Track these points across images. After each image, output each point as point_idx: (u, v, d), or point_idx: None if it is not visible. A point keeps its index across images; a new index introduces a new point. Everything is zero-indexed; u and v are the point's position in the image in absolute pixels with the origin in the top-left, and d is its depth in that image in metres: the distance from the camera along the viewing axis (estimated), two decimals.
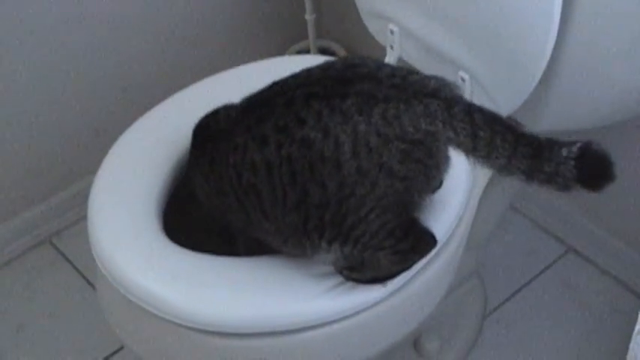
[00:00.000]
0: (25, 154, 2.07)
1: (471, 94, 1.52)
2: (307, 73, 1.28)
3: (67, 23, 1.98)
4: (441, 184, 1.36)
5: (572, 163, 1.15)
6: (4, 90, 1.97)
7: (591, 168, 1.16)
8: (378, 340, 1.45)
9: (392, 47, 1.67)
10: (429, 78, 1.24)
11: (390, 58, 1.68)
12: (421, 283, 1.41)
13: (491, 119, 1.18)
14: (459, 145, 1.19)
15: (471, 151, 1.19)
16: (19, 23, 1.91)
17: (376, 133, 1.18)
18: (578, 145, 1.16)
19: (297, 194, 1.23)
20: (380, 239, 1.27)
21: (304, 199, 1.23)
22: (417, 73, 1.25)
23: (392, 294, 1.37)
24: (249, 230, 1.35)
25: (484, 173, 1.50)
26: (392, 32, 1.65)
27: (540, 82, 1.41)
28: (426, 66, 1.60)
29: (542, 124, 1.53)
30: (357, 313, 1.35)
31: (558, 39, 1.36)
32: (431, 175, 1.25)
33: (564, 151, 1.16)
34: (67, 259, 2.13)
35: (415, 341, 1.89)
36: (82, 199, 1.46)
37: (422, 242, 1.32)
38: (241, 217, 1.32)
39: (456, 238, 1.46)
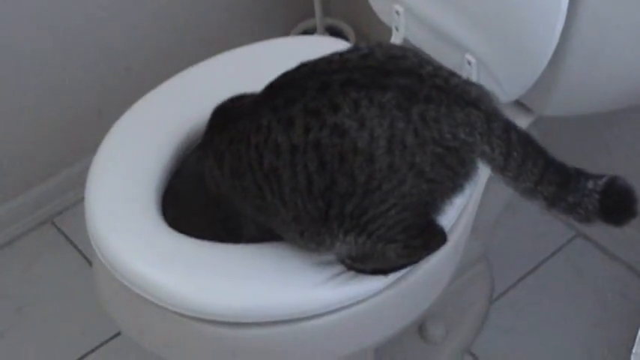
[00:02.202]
0: (28, 133, 2.05)
1: (478, 77, 1.49)
2: (343, 59, 1.24)
3: (69, 1, 1.96)
4: None
5: (597, 196, 1.16)
6: (5, 71, 1.95)
7: (615, 203, 1.16)
8: (381, 329, 1.43)
9: (397, 28, 1.64)
10: (470, 84, 1.22)
11: (396, 40, 1.65)
12: (425, 270, 1.38)
13: (526, 140, 1.18)
14: (490, 161, 1.19)
15: (501, 169, 1.19)
16: (20, 3, 1.89)
17: (414, 132, 1.16)
18: (605, 179, 1.16)
19: (324, 182, 1.19)
20: (394, 233, 1.24)
21: (331, 187, 1.20)
22: (458, 76, 1.23)
23: (395, 282, 1.34)
24: (263, 218, 1.32)
25: None
26: (397, 13, 1.62)
27: (548, 65, 1.39)
28: (433, 48, 1.57)
29: (549, 109, 1.51)
30: (360, 302, 1.33)
31: (567, 21, 1.33)
32: (458, 183, 1.23)
33: (590, 184, 1.16)
34: (69, 240, 2.12)
35: (420, 327, 1.87)
36: (84, 179, 1.45)
37: (433, 240, 1.29)
38: (256, 203, 1.29)
39: (462, 225, 1.44)
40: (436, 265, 1.39)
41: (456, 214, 1.39)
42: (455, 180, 1.22)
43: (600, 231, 2.07)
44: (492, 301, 1.98)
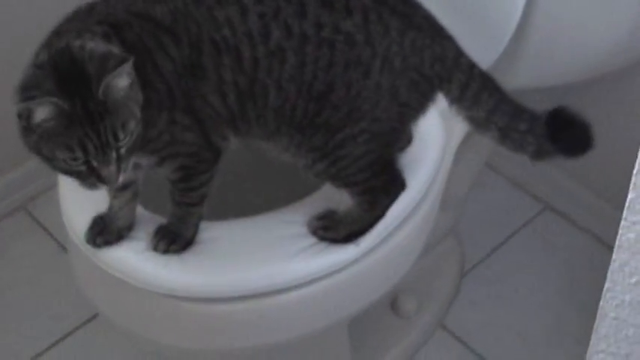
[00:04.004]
0: None
1: None
2: None
3: None
4: (410, 141, 1.37)
5: (544, 119, 1.22)
6: None
7: (565, 127, 1.22)
8: (353, 301, 1.45)
9: None
10: None
11: None
12: (396, 242, 1.41)
13: (486, 76, 1.26)
14: (448, 92, 1.26)
15: (457, 99, 1.25)
16: None
17: (402, 57, 1.21)
18: (553, 107, 1.23)
19: (325, 85, 1.21)
20: (357, 169, 1.28)
21: (328, 93, 1.22)
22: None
23: (366, 254, 1.36)
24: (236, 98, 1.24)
25: (458, 130, 1.50)
26: None
27: (513, 37, 1.41)
28: None
29: (516, 81, 1.52)
30: (331, 274, 1.35)
31: None
32: (425, 107, 1.28)
33: (539, 111, 1.23)
34: (42, 226, 2.11)
35: (392, 302, 1.88)
36: None
37: (393, 184, 1.33)
38: (241, 80, 1.21)
39: (431, 196, 1.45)
40: (407, 236, 1.42)
41: (428, 182, 1.42)
42: (423, 104, 1.27)
43: (568, 203, 2.10)
44: (463, 275, 2.00)
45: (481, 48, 1.44)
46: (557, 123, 1.23)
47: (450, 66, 1.24)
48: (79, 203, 1.39)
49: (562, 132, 1.23)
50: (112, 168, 1.12)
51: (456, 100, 1.26)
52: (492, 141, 1.28)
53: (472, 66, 1.25)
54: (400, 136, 1.33)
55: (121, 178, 1.14)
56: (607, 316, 0.94)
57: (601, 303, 0.94)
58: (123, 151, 1.12)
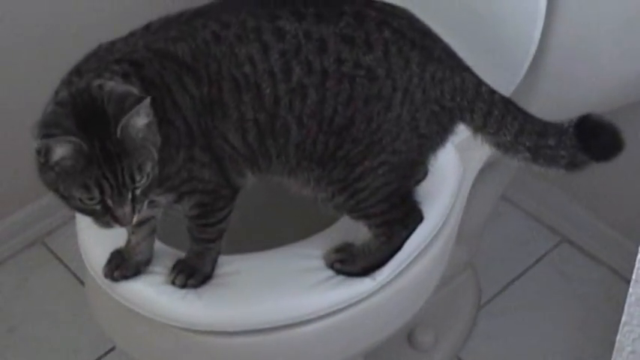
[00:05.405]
0: (17, 154, 2.04)
1: None
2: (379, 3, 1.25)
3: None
4: (426, 174, 1.37)
5: (572, 130, 1.23)
6: None
7: (593, 133, 1.23)
8: (370, 334, 1.45)
9: None
10: None
11: None
12: (412, 275, 1.41)
13: (507, 100, 1.26)
14: (470, 122, 1.26)
15: (481, 127, 1.26)
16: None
17: (423, 89, 1.22)
18: (578, 116, 1.24)
19: (345, 119, 1.22)
20: (376, 201, 1.28)
21: (348, 127, 1.22)
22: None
23: (383, 287, 1.36)
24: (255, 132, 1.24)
25: (474, 164, 1.50)
26: None
27: (529, 70, 1.41)
28: None
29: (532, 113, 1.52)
30: (348, 307, 1.35)
31: (545, 25, 1.36)
32: (445, 138, 1.29)
33: (565, 123, 1.24)
34: (59, 259, 2.12)
35: (409, 334, 1.88)
36: None
37: (410, 216, 1.34)
38: (261, 117, 1.21)
39: (448, 229, 1.46)
40: (424, 269, 1.42)
41: (444, 215, 1.42)
42: (442, 135, 1.28)
43: (585, 236, 2.09)
44: (480, 308, 2.00)
45: (496, 81, 1.45)
46: (584, 131, 1.23)
47: (470, 97, 1.24)
48: (97, 237, 1.39)
49: (591, 139, 1.23)
50: (127, 208, 1.13)
51: (480, 129, 1.27)
52: (524, 162, 1.27)
53: (492, 92, 1.26)
54: (419, 168, 1.33)
55: (136, 219, 1.15)
56: (624, 350, 0.94)
57: (618, 336, 0.93)
58: (138, 192, 1.13)
